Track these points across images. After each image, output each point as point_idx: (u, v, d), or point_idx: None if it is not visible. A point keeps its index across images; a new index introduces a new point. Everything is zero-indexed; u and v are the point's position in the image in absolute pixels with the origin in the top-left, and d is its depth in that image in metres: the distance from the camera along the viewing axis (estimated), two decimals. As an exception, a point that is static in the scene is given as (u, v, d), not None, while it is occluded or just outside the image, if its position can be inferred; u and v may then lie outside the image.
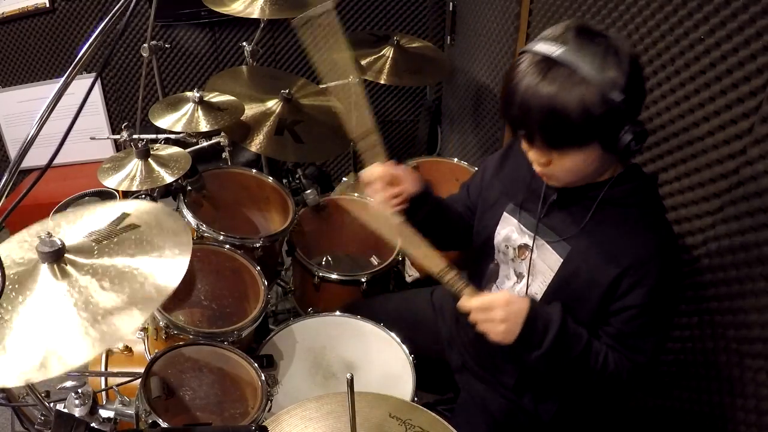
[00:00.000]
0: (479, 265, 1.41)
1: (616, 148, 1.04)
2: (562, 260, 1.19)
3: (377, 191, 1.29)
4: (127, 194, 2.30)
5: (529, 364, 1.16)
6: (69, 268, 0.93)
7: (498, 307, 1.10)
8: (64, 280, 0.91)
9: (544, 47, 1.02)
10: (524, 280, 1.27)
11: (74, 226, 1.04)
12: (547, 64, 1.00)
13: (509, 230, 1.30)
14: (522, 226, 1.27)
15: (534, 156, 1.12)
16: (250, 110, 1.98)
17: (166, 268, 0.95)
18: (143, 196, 1.78)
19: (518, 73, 1.03)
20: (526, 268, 1.26)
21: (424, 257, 1.21)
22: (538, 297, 1.24)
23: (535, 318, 1.10)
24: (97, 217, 1.07)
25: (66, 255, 0.94)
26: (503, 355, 1.34)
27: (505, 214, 1.31)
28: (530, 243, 1.25)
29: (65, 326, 0.85)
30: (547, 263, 1.22)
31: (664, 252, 1.13)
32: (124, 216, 1.06)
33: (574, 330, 1.14)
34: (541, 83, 0.99)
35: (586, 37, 1.01)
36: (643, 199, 1.16)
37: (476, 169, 2.01)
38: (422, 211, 1.33)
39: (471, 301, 1.13)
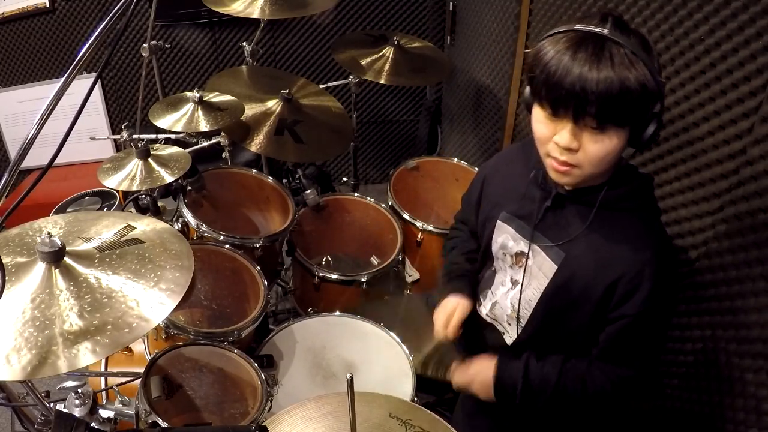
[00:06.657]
0: (479, 270, 1.41)
1: (640, 138, 1.05)
2: (556, 267, 1.19)
3: (451, 325, 1.37)
4: (127, 194, 2.30)
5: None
6: (58, 277, 0.91)
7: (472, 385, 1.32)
8: (48, 287, 0.90)
9: (590, 28, 1.02)
10: (518, 287, 1.28)
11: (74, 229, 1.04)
12: (599, 41, 1.00)
13: (505, 238, 1.30)
14: (517, 233, 1.27)
15: (565, 140, 1.05)
16: (250, 110, 1.98)
17: (156, 300, 0.93)
18: (143, 195, 1.78)
19: (569, 49, 1.02)
20: (522, 274, 1.27)
21: None
22: (533, 303, 1.25)
23: (502, 382, 1.28)
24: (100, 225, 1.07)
25: (65, 259, 0.94)
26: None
27: (499, 222, 1.31)
28: (526, 250, 1.25)
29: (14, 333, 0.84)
30: (542, 270, 1.22)
31: (659, 260, 1.11)
32: (130, 229, 1.06)
33: (538, 377, 1.25)
34: (601, 58, 0.99)
35: (625, 24, 1.03)
36: (639, 203, 1.15)
37: (476, 169, 2.00)
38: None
39: (454, 384, 1.36)
